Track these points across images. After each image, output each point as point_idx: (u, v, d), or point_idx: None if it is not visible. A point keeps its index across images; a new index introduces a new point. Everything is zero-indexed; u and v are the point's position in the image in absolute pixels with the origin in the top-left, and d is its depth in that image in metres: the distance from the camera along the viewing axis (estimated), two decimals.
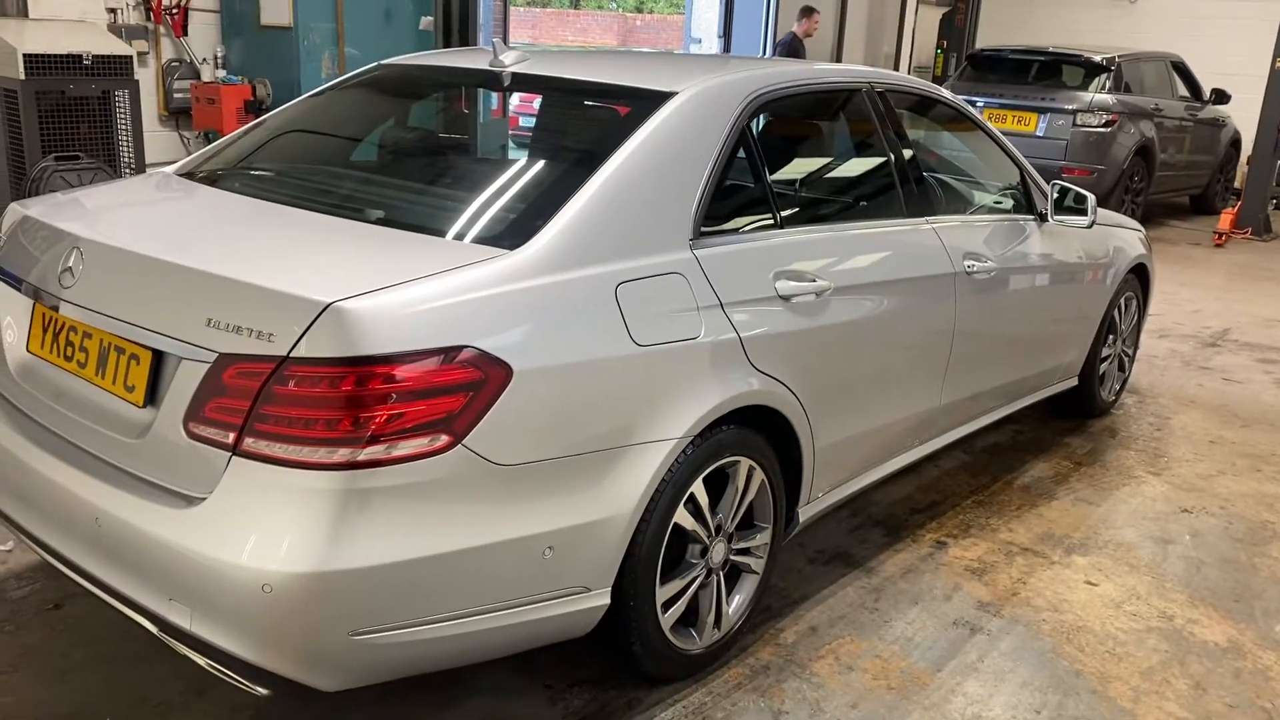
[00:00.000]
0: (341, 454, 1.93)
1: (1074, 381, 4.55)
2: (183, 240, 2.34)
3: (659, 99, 2.63)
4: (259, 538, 1.93)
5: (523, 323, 2.14)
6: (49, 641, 2.71)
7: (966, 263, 3.43)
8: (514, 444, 2.10)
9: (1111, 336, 4.74)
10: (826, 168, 3.30)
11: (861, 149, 3.40)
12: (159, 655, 2.61)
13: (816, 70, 3.39)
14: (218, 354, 2.00)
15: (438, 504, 2.02)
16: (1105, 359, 4.74)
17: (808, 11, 10.29)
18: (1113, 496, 4.04)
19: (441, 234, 2.34)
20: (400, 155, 3.10)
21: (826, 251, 2.92)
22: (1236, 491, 4.14)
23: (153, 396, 2.14)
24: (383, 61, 3.34)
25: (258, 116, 6.62)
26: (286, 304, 1.97)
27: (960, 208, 3.89)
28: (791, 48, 10.16)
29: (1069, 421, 4.82)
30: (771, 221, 2.82)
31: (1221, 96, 11.24)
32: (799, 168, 3.17)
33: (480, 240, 2.28)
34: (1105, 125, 9.61)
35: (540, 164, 2.66)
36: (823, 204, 3.24)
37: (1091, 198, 3.93)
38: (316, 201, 2.56)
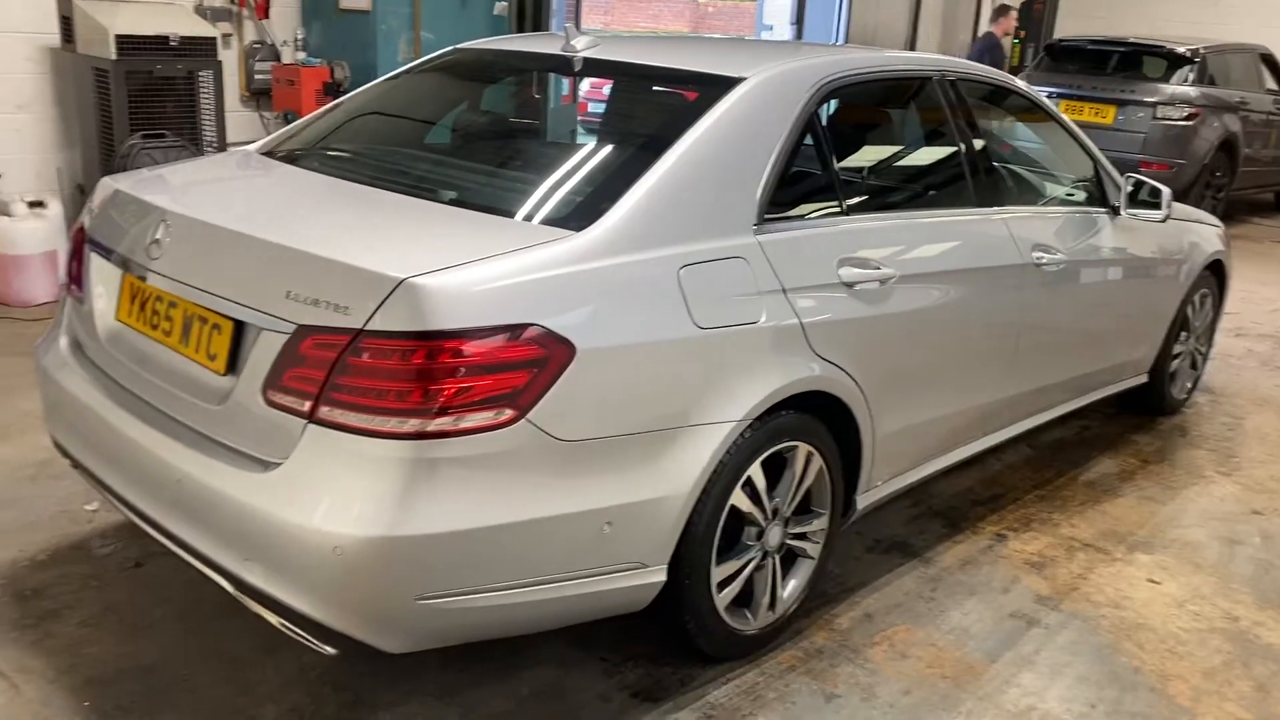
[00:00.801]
0: (412, 424, 1.99)
1: (1144, 378, 4.48)
2: (264, 216, 2.43)
3: (727, 84, 2.66)
4: (331, 502, 2.01)
5: (587, 303, 2.19)
6: (131, 598, 2.83)
7: (1035, 254, 3.40)
8: (575, 420, 2.15)
9: (1184, 333, 4.65)
10: (895, 156, 3.30)
11: (931, 138, 3.39)
12: (232, 614, 2.72)
13: (887, 58, 3.38)
14: (296, 325, 2.08)
15: (501, 476, 2.08)
16: (1177, 356, 4.66)
17: (1003, 10, 10.32)
18: (1180, 495, 3.97)
19: (510, 215, 2.39)
20: (472, 138, 3.17)
21: (892, 239, 2.93)
22: None
23: (233, 365, 2.24)
24: (457, 46, 3.42)
25: (335, 98, 6.80)
26: (362, 279, 2.04)
27: (1031, 199, 3.85)
28: (990, 48, 10.04)
29: (1138, 419, 4.74)
30: (837, 208, 2.83)
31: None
32: (867, 155, 3.17)
33: (548, 221, 2.33)
34: (1187, 119, 9.36)
35: (608, 148, 2.70)
36: (890, 192, 3.23)
37: (1167, 191, 3.86)
38: (391, 181, 2.64)
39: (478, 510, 2.06)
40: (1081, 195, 3.94)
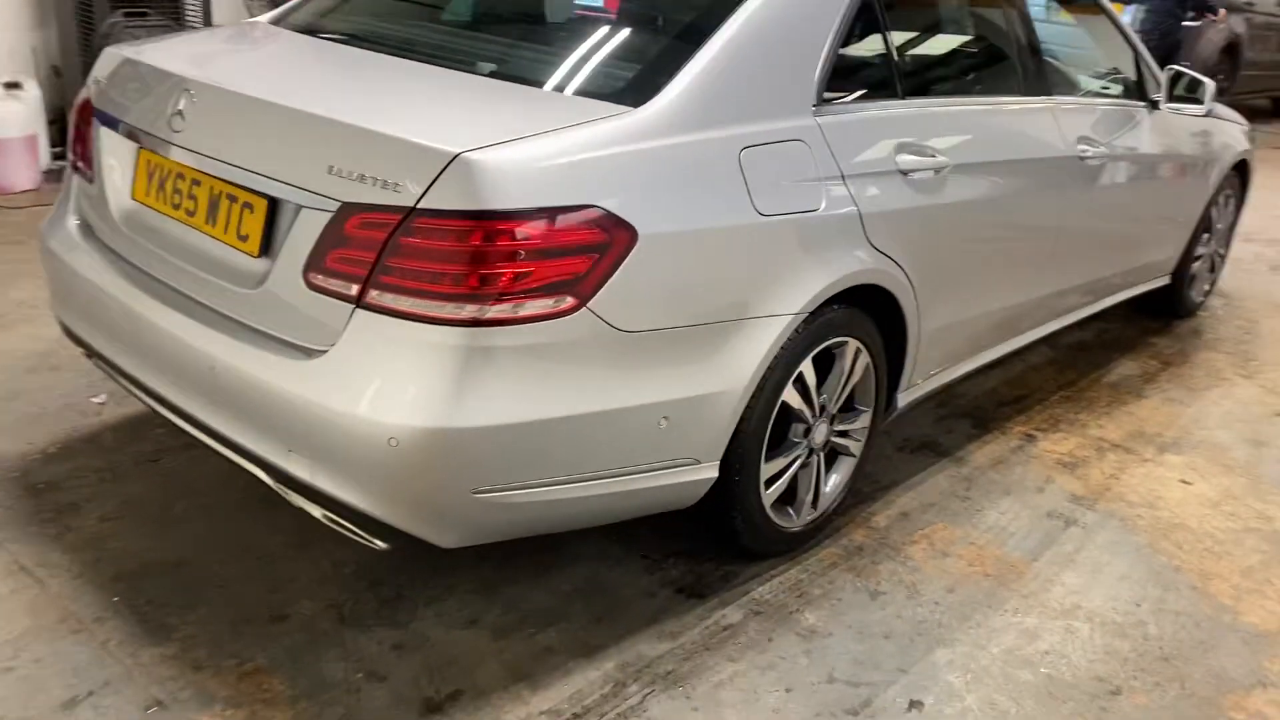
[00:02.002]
0: (469, 310, 1.88)
1: (1166, 280, 4.41)
2: (297, 87, 2.26)
3: None
4: (384, 391, 1.90)
5: (648, 185, 2.06)
6: (150, 492, 2.73)
7: (1080, 147, 3.28)
8: (637, 310, 2.04)
9: (1207, 235, 4.57)
10: (948, 38, 3.14)
11: (982, 21, 3.23)
12: (260, 508, 2.63)
13: None
14: (341, 203, 1.94)
15: (561, 366, 1.97)
16: (1198, 259, 4.59)
17: None
18: (1204, 397, 3.94)
19: (559, 89, 2.24)
20: (503, 6, 2.97)
21: (947, 126, 2.80)
22: None
23: (267, 246, 2.09)
24: None
25: None
26: (413, 153, 1.90)
27: (1073, 89, 3.71)
28: None
29: (1155, 321, 4.69)
30: (893, 91, 2.69)
31: None
32: (920, 35, 3.01)
33: (601, 96, 2.18)
34: (1195, 18, 9.14)
35: (657, 18, 2.53)
36: (943, 76, 3.08)
37: (1209, 84, 3.73)
38: (423, 53, 2.47)
39: (536, 402, 1.96)
40: (1120, 87, 3.81)
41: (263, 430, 2.04)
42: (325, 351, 1.97)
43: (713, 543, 2.62)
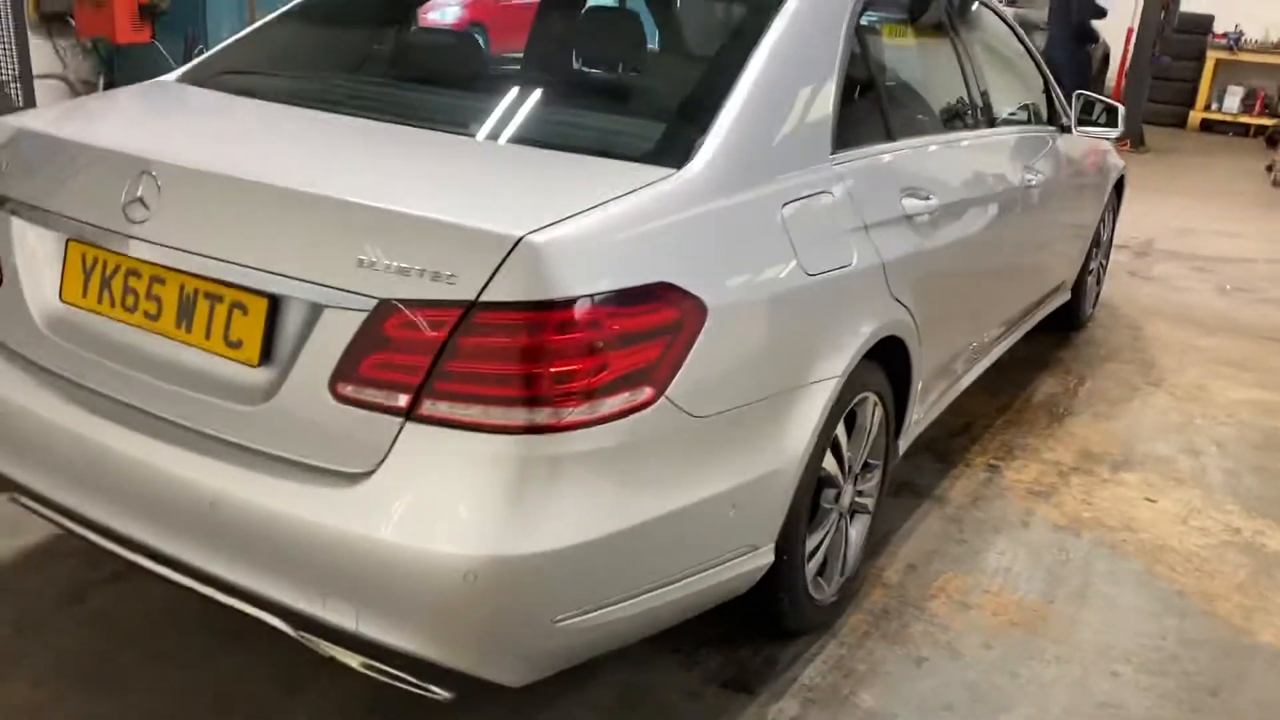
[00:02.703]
0: (543, 414, 1.62)
1: (1068, 295, 4.54)
2: (290, 163, 1.93)
3: None
4: (453, 517, 1.61)
5: (707, 253, 1.87)
6: (86, 642, 2.30)
7: (1026, 175, 3.30)
8: (709, 391, 1.84)
9: (1095, 249, 4.74)
10: (919, 75, 3.08)
11: (941, 54, 3.19)
12: (227, 646, 2.26)
13: None
14: (377, 300, 1.65)
15: (640, 466, 1.75)
16: (1091, 271, 4.75)
17: None
18: (1127, 410, 4.05)
19: (586, 152, 2.00)
20: (454, 59, 2.69)
21: (937, 165, 2.74)
22: (1233, 399, 4.22)
23: (269, 353, 1.77)
24: None
25: (153, 22, 5.90)
26: (468, 239, 1.63)
27: (1009, 120, 3.74)
28: None
29: (1051, 336, 4.81)
30: (886, 133, 2.59)
31: (1098, 11, 11.50)
32: (899, 72, 2.94)
33: (633, 158, 1.96)
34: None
35: (667, 66, 2.33)
36: (919, 114, 3.02)
37: (1121, 109, 3.85)
38: (410, 117, 2.17)
39: (622, 509, 1.72)
40: (1032, 114, 3.87)
41: (288, 573, 1.70)
42: (368, 475, 1.67)
43: (748, 626, 2.43)
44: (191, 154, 1.88)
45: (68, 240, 1.99)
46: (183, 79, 2.51)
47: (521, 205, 1.73)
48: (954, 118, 3.14)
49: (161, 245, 1.83)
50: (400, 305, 1.63)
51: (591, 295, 1.64)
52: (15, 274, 2.05)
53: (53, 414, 1.97)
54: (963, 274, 2.90)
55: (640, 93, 2.25)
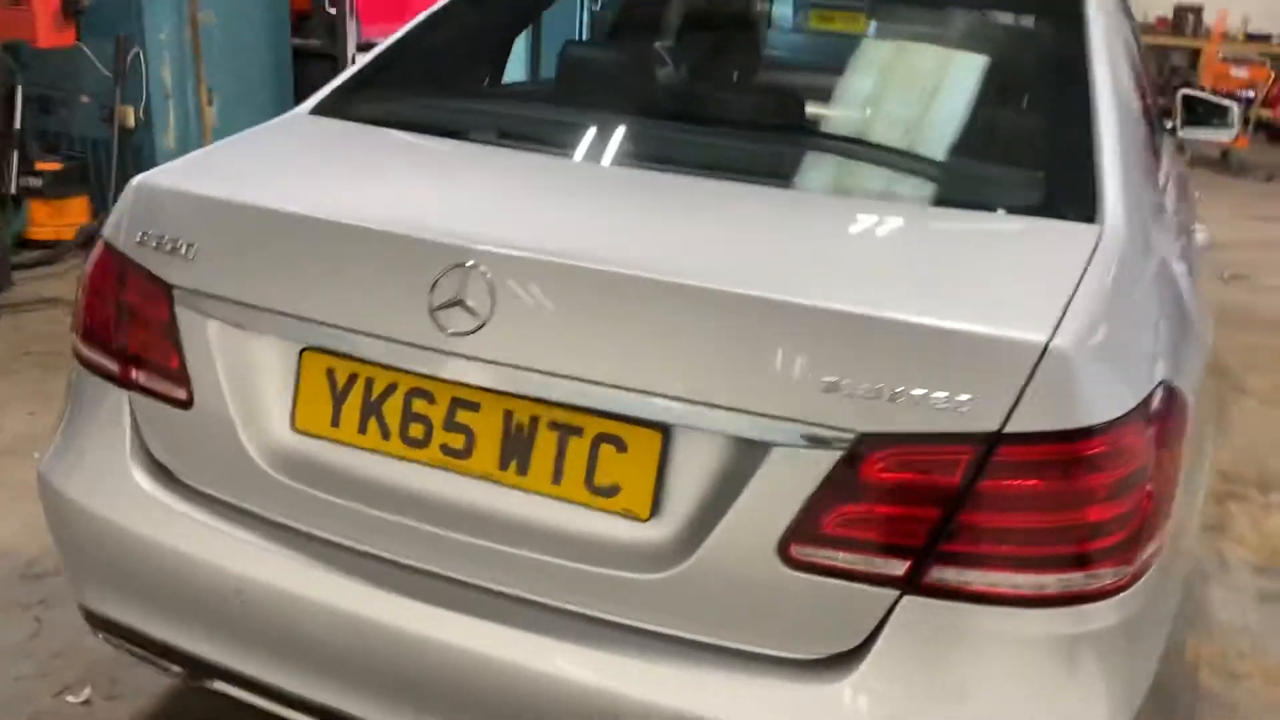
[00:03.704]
0: (1078, 579, 1.24)
1: None
2: (675, 248, 1.43)
3: None
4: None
5: (1163, 335, 1.51)
6: None
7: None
8: (1182, 508, 1.48)
9: None
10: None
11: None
12: None
13: None
14: (856, 434, 1.23)
15: (1150, 629, 1.39)
16: None
17: None
18: (1230, 422, 3.92)
19: (984, 208, 1.62)
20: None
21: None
22: None
23: (660, 504, 1.32)
24: None
25: (77, 22, 5.07)
26: (977, 349, 1.22)
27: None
28: None
29: None
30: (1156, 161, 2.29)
31: None
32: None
33: (1032, 211, 1.57)
34: None
35: (982, 96, 1.93)
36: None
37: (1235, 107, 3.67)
38: (759, 171, 1.72)
39: (1141, 682, 1.35)
40: None
41: None
42: (848, 665, 1.25)
43: None
44: (521, 236, 1.39)
45: (301, 350, 1.49)
46: (383, 121, 1.93)
47: (1002, 294, 1.33)
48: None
49: (488, 362, 1.35)
50: (887, 440, 1.22)
51: (1126, 412, 1.26)
52: (218, 395, 1.53)
53: (292, 583, 1.47)
54: None
55: (971, 130, 1.86)
